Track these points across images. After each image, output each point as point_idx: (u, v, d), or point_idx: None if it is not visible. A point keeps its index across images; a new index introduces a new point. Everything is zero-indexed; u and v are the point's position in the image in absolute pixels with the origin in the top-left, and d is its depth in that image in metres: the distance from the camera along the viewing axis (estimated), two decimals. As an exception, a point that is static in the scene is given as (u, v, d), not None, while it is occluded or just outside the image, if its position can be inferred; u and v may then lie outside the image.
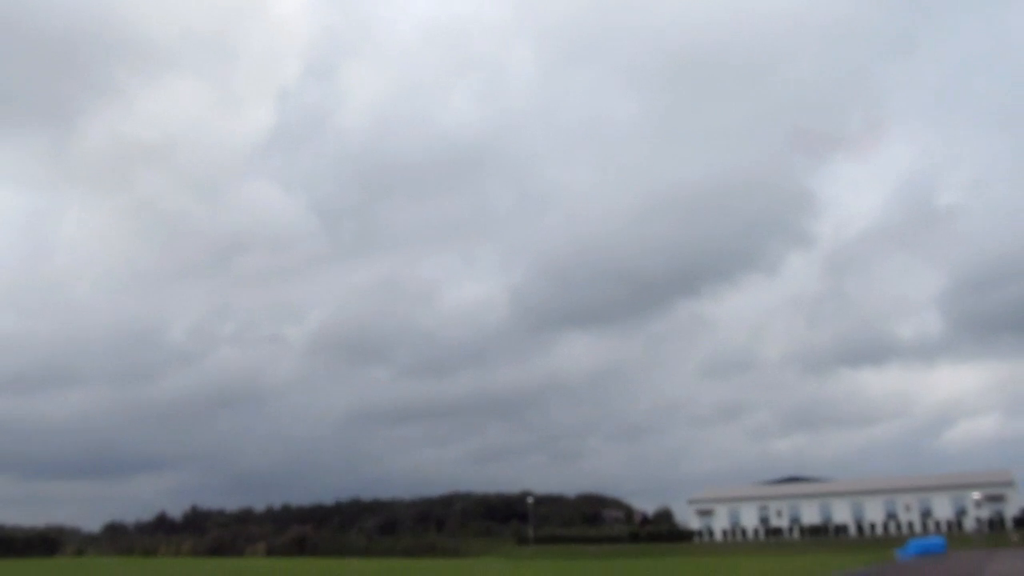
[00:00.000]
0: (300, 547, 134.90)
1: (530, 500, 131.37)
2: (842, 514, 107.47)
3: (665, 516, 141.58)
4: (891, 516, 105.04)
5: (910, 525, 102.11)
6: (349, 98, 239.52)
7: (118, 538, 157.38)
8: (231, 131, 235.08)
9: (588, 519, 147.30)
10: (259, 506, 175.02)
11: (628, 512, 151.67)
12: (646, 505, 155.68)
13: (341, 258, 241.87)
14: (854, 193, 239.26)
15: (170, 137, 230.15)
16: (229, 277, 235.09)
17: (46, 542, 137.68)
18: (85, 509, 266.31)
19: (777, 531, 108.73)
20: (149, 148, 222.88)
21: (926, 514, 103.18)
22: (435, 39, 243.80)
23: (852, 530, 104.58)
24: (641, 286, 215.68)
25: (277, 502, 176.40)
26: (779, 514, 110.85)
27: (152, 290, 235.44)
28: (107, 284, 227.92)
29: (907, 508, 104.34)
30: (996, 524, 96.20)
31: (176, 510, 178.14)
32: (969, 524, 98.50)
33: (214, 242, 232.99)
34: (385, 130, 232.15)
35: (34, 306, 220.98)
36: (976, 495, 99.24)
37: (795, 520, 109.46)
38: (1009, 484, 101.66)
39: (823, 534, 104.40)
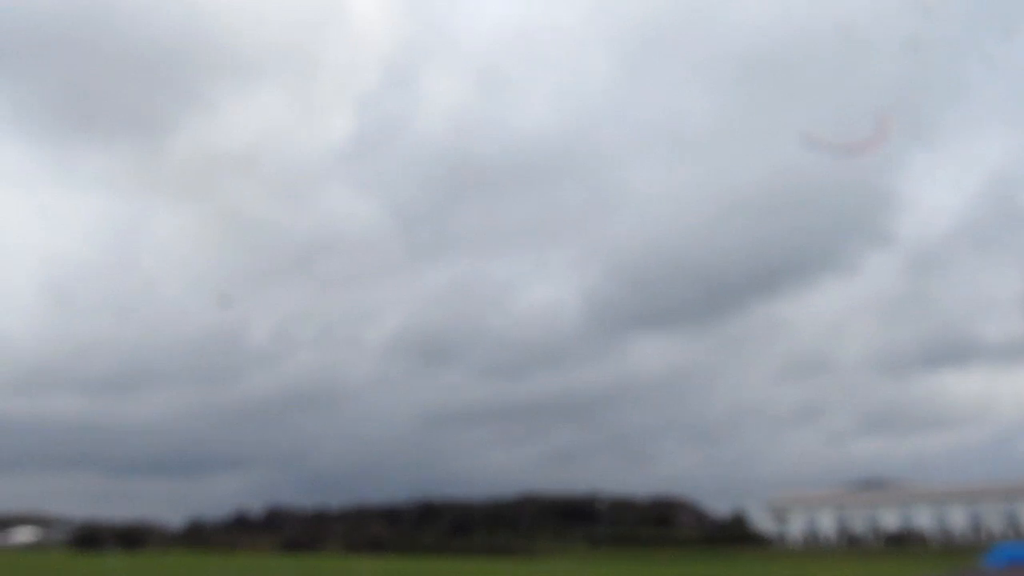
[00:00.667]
0: (376, 545, 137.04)
1: (602, 502, 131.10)
2: (923, 520, 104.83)
3: (739, 519, 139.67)
4: (976, 522, 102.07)
5: (996, 532, 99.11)
6: (427, 104, 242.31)
7: (199, 534, 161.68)
8: (313, 139, 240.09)
9: (660, 521, 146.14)
10: (335, 504, 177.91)
11: (701, 515, 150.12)
12: (720, 508, 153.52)
13: (417, 261, 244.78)
14: (937, 192, 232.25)
15: (254, 146, 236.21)
16: (310, 281, 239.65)
17: (131, 536, 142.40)
18: (167, 505, 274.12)
19: (856, 537, 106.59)
20: (234, 156, 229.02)
21: (1013, 520, 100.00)
22: (511, 44, 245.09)
23: (934, 537, 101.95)
24: (716, 287, 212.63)
25: (352, 501, 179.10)
26: (858, 519, 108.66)
27: (236, 294, 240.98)
28: (193, 289, 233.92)
29: (993, 514, 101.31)
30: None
31: (255, 507, 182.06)
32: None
33: (296, 247, 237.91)
34: (461, 134, 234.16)
35: (123, 310, 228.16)
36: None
37: (874, 525, 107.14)
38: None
39: (904, 540, 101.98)
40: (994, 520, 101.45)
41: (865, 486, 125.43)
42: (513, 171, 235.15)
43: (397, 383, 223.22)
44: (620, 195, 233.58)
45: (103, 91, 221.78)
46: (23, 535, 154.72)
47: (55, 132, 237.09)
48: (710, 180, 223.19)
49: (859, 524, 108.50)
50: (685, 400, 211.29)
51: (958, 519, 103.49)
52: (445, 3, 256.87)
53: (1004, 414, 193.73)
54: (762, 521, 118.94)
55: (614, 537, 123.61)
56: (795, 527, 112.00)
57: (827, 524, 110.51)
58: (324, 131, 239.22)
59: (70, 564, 78.94)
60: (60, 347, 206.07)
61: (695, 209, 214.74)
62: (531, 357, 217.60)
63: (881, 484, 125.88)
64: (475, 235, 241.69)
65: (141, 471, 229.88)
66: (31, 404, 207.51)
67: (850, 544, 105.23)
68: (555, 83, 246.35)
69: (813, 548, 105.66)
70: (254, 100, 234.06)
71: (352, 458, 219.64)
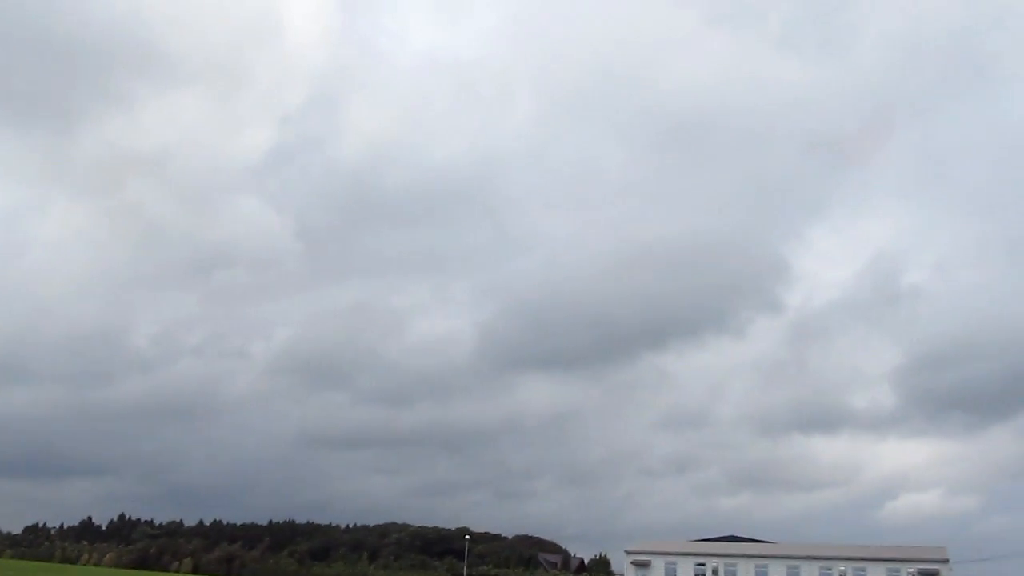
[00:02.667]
0: (228, 566, 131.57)
1: (467, 537, 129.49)
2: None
3: (602, 564, 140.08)
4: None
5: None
6: (348, 129, 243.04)
7: (39, 541, 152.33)
8: (228, 150, 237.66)
9: (524, 561, 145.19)
10: (191, 520, 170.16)
11: (565, 557, 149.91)
12: (584, 551, 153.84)
13: (318, 281, 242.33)
14: (827, 266, 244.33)
15: (167, 149, 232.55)
16: (205, 289, 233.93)
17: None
18: (9, 509, 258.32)
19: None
20: (145, 157, 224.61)
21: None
22: (438, 78, 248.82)
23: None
24: (609, 336, 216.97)
25: (210, 517, 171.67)
26: (715, 572, 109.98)
27: (124, 295, 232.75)
28: (79, 284, 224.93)
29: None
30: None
31: (104, 517, 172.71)
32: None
33: (195, 254, 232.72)
34: (378, 161, 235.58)
35: (1, 299, 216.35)
36: (911, 569, 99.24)
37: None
38: (944, 561, 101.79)
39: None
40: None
41: (727, 541, 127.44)
42: (423, 201, 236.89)
43: (278, 401, 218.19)
44: (525, 236, 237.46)
45: (19, 76, 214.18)
46: None
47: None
48: (614, 233, 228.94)
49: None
50: (566, 442, 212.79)
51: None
52: (377, 32, 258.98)
53: (863, 482, 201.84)
54: (623, 567, 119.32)
55: (477, 574, 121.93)
56: (655, 575, 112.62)
57: (685, 574, 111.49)
58: (241, 143, 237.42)
59: None
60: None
61: (597, 259, 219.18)
62: (418, 387, 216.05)
63: (741, 539, 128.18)
64: (378, 261, 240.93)
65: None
66: None
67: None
68: (475, 119, 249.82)
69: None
70: (174, 104, 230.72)
71: (219, 474, 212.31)
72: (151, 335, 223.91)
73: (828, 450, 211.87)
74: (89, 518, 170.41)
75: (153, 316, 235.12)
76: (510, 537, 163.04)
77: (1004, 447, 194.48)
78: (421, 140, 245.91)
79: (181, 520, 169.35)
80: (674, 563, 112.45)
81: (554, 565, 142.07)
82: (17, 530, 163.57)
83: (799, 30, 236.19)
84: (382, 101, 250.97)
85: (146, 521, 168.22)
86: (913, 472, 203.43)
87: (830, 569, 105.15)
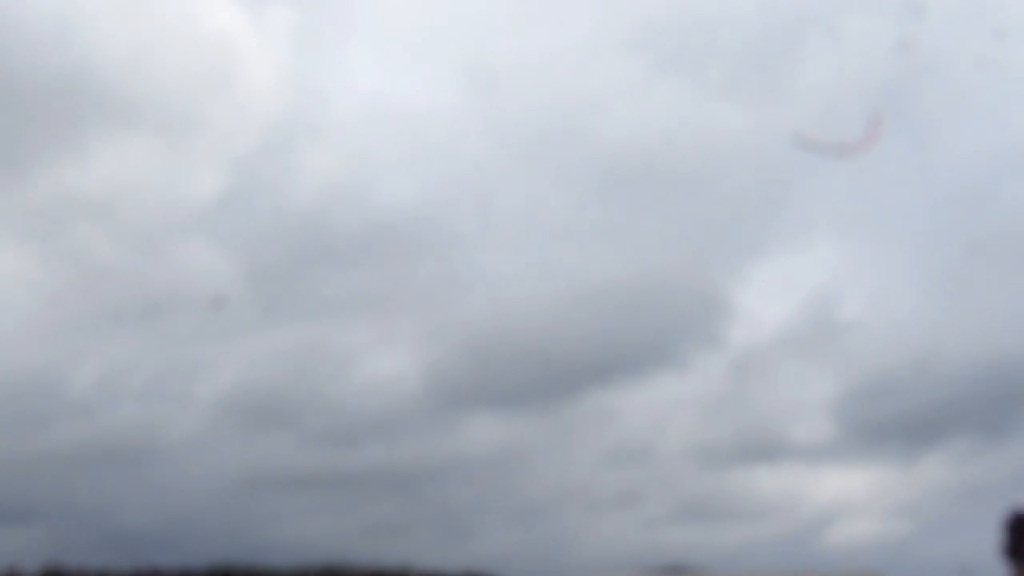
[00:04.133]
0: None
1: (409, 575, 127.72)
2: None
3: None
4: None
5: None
6: (298, 174, 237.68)
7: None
8: (178, 194, 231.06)
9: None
10: (124, 566, 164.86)
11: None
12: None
13: (264, 324, 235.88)
14: (765, 302, 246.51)
15: (116, 194, 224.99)
16: (149, 333, 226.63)
17: None
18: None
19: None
20: (93, 202, 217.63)
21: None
22: (387, 124, 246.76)
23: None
24: (555, 373, 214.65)
25: (145, 563, 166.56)
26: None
27: (65, 337, 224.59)
28: (16, 326, 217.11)
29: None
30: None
31: (31, 566, 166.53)
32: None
33: (139, 298, 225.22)
34: (328, 205, 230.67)
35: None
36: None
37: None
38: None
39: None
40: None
41: (671, 571, 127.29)
42: (372, 243, 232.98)
43: (222, 443, 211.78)
44: (472, 276, 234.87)
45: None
46: None
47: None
48: (560, 273, 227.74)
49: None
50: (511, 479, 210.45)
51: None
52: (328, 79, 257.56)
53: (805, 510, 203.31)
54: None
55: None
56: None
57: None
58: (191, 188, 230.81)
59: None
60: None
61: (542, 298, 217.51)
62: (364, 427, 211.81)
63: (685, 569, 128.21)
64: (325, 303, 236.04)
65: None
66: None
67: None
68: (424, 164, 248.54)
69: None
70: (125, 148, 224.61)
71: (157, 519, 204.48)
72: (92, 379, 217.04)
73: (769, 480, 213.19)
74: (13, 567, 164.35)
75: (95, 360, 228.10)
76: (454, 573, 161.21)
77: (938, 474, 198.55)
78: (370, 183, 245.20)
79: (114, 566, 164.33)
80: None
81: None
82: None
83: (740, 78, 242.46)
84: (333, 147, 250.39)
85: (76, 569, 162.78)
86: (851, 499, 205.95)
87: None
